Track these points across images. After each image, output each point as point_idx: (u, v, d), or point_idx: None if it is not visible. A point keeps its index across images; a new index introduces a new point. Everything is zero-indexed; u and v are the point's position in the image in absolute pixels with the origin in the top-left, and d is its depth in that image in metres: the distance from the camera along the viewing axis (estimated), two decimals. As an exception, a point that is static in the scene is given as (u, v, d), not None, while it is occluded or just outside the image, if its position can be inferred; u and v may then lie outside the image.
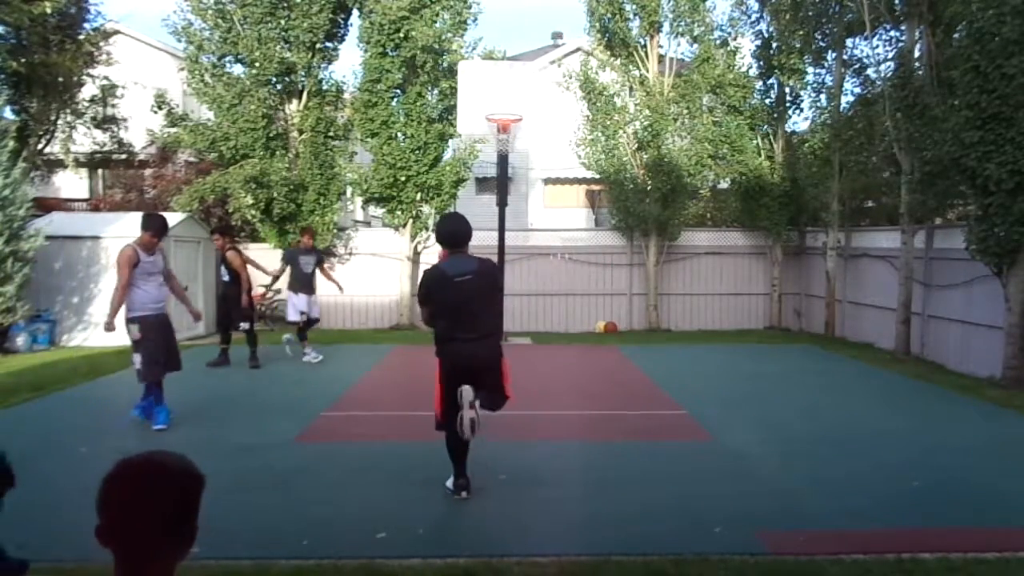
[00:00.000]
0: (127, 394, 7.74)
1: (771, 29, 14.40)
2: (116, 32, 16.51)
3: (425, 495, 5.12)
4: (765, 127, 14.84)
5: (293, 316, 10.62)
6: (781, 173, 14.49)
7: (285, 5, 13.84)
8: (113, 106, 15.77)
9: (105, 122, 15.76)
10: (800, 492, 5.22)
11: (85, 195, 19.42)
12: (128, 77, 15.85)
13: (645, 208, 14.51)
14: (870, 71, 12.43)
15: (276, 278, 10.81)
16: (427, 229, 14.63)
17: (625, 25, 14.51)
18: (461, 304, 4.85)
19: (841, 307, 13.75)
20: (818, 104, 14.01)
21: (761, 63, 14.60)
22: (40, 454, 6.08)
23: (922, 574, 3.87)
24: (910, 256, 11.21)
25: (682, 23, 14.52)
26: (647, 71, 14.77)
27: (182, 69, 14.55)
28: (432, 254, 13.15)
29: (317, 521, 4.61)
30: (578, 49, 19.36)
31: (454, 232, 5.03)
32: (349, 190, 15.65)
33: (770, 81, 14.60)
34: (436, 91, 14.42)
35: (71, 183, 18.91)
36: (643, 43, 14.75)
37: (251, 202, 14.06)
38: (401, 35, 13.74)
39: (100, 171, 18.78)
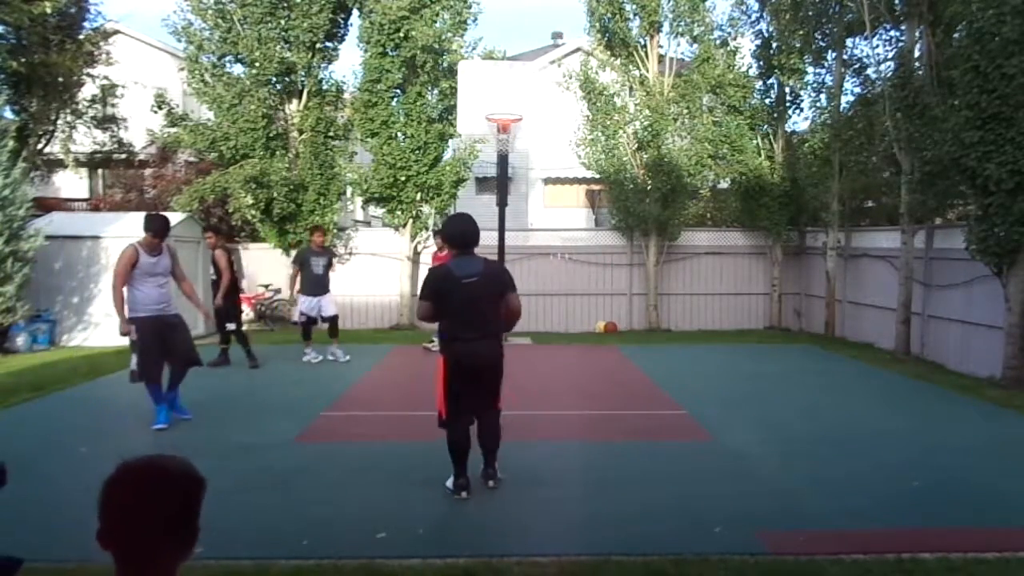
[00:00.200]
0: (127, 394, 7.74)
1: (771, 29, 14.40)
2: (116, 32, 16.53)
3: (425, 495, 5.12)
4: (765, 127, 14.83)
5: (295, 317, 10.59)
6: (781, 173, 14.48)
7: (285, 5, 13.84)
8: (113, 106, 15.79)
9: (105, 122, 15.78)
10: (800, 492, 5.22)
11: (85, 195, 19.45)
12: (128, 77, 15.87)
13: (645, 208, 14.51)
14: (870, 71, 12.44)
15: (293, 281, 10.61)
16: (427, 229, 14.64)
17: (625, 25, 14.51)
18: (467, 305, 4.92)
19: (841, 307, 13.75)
20: (818, 104, 14.02)
21: (761, 63, 14.60)
22: (40, 454, 6.08)
23: (922, 574, 3.87)
24: (910, 256, 11.21)
25: (682, 23, 14.52)
26: (647, 71, 14.77)
27: (182, 69, 14.55)
28: (431, 254, 13.12)
29: (317, 521, 4.61)
30: (578, 49, 19.37)
31: (464, 232, 5.06)
32: (349, 190, 15.65)
33: (770, 81, 14.60)
34: (436, 91, 14.42)
35: (71, 183, 18.93)
36: (643, 43, 14.75)
37: (251, 202, 14.06)
38: (401, 35, 13.74)
39: (100, 171, 18.81)
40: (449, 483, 5.11)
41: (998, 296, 9.16)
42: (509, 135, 9.79)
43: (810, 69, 14.03)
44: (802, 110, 14.81)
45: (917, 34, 10.92)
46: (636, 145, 14.83)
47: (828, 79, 13.63)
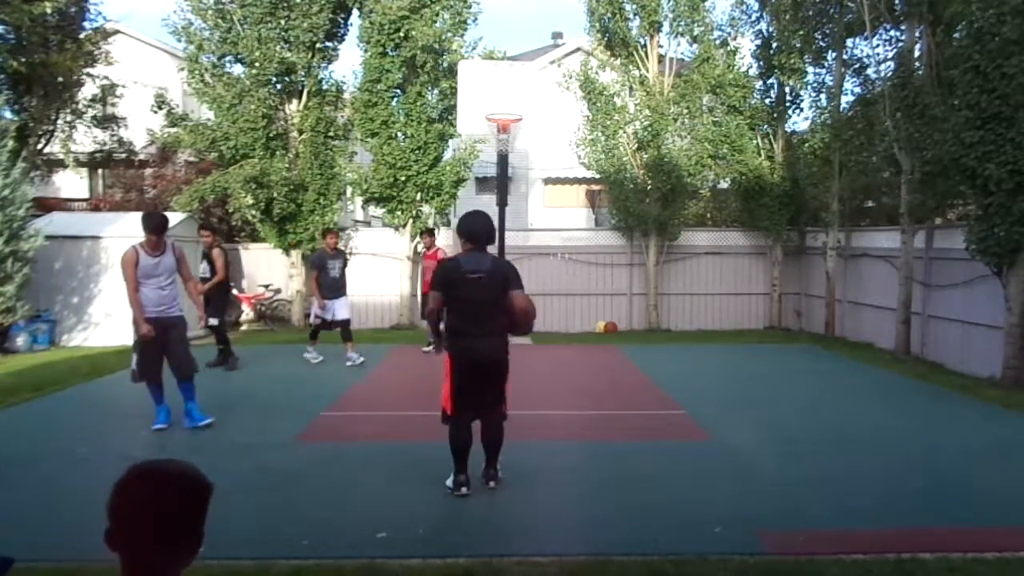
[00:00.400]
0: (127, 394, 7.74)
1: (771, 29, 14.40)
2: (116, 32, 16.52)
3: (425, 495, 5.11)
4: (765, 127, 14.83)
5: (312, 318, 10.47)
6: (781, 173, 14.48)
7: (285, 5, 13.84)
8: (113, 105, 15.78)
9: (105, 121, 15.78)
10: (800, 492, 5.22)
11: (85, 195, 19.44)
12: (128, 77, 15.87)
13: (645, 208, 14.51)
14: (870, 71, 12.43)
15: (318, 285, 10.36)
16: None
17: (625, 25, 14.51)
18: (470, 300, 4.96)
19: (841, 307, 13.75)
20: (818, 104, 14.01)
21: (761, 63, 14.59)
22: (40, 454, 6.09)
23: (922, 574, 3.87)
24: (910, 256, 11.21)
25: (682, 23, 14.52)
26: (647, 71, 14.77)
27: (182, 69, 14.55)
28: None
29: (317, 521, 4.61)
30: (578, 49, 19.35)
31: (472, 229, 5.12)
32: (349, 190, 15.65)
33: (770, 81, 14.60)
34: (436, 91, 14.42)
35: (71, 183, 18.92)
36: (643, 43, 14.75)
37: (251, 202, 14.07)
38: (401, 35, 13.74)
39: (100, 171, 18.80)
40: (449, 481, 5.12)
41: (998, 296, 9.16)
42: (509, 135, 9.80)
43: (810, 69, 14.02)
44: (802, 110, 14.84)
45: (917, 34, 10.92)
46: (636, 145, 14.83)
47: (828, 79, 13.63)
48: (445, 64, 14.00)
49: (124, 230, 12.02)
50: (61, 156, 15.50)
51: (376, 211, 16.63)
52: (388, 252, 15.11)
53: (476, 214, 5.28)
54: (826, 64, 13.65)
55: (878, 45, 11.98)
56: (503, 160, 9.81)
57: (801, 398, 8.65)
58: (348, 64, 55.48)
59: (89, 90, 15.14)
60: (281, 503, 5.00)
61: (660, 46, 14.91)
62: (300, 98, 14.48)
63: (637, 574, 3.89)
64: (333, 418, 7.55)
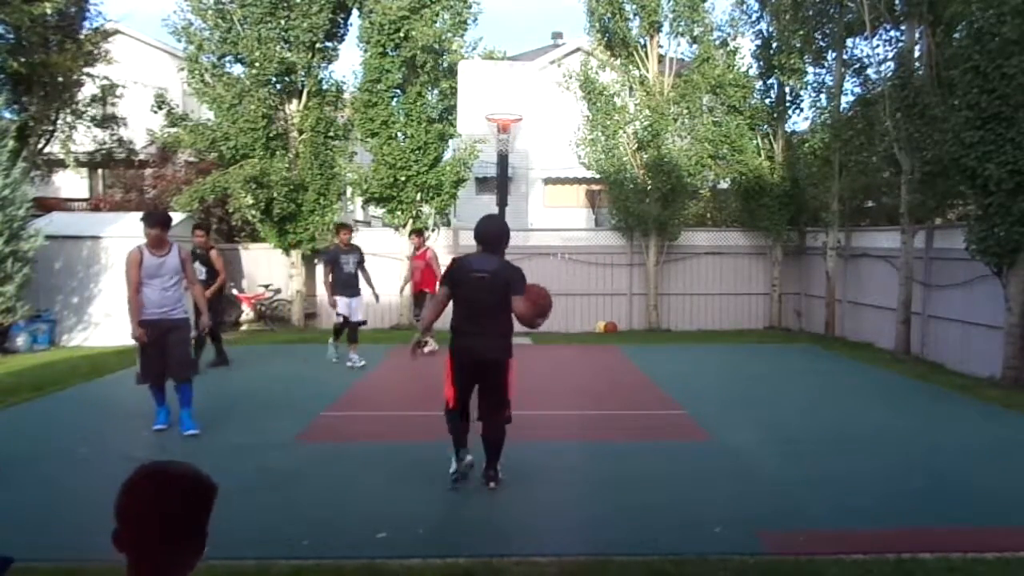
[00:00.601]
0: (127, 394, 7.74)
1: (771, 29, 14.39)
2: (116, 32, 16.53)
3: (425, 495, 5.11)
4: (765, 127, 14.83)
5: (334, 317, 10.39)
6: (781, 173, 14.48)
7: (285, 5, 13.84)
8: (113, 105, 15.78)
9: (105, 121, 15.78)
10: (800, 492, 5.22)
11: (85, 195, 19.43)
12: (128, 77, 15.86)
13: (645, 208, 14.51)
14: (870, 71, 12.43)
15: (328, 284, 10.30)
16: (427, 229, 14.62)
17: (625, 25, 14.51)
18: (472, 299, 5.03)
19: (841, 307, 13.75)
20: (818, 104, 14.01)
21: (761, 63, 14.59)
22: (40, 454, 6.09)
23: (922, 574, 3.87)
24: (910, 256, 11.21)
25: (682, 23, 14.52)
26: (647, 71, 14.77)
27: (182, 69, 14.55)
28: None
29: (318, 521, 4.61)
30: (578, 49, 19.36)
31: (480, 232, 5.25)
32: (349, 190, 15.65)
33: (770, 81, 14.59)
34: (436, 91, 14.41)
35: (71, 183, 18.92)
36: (643, 43, 14.75)
37: (251, 202, 14.07)
38: (401, 35, 13.74)
39: (100, 171, 18.80)
40: (452, 467, 5.14)
41: (998, 296, 9.16)
42: (509, 135, 9.79)
43: (810, 69, 14.02)
44: (802, 110, 14.83)
45: (917, 34, 10.92)
46: (636, 145, 14.83)
47: (828, 79, 13.63)
48: (445, 64, 13.99)
49: (124, 230, 12.02)
50: (61, 156, 15.50)
51: (376, 211, 16.63)
52: (388, 252, 15.10)
53: (490, 218, 5.49)
54: (826, 64, 13.65)
55: (878, 45, 11.99)
56: (503, 160, 9.80)
57: (801, 398, 8.65)
58: (348, 64, 55.51)
59: (89, 90, 15.14)
60: (281, 503, 5.00)
61: (660, 46, 14.91)
62: (300, 98, 14.48)
63: (637, 574, 3.89)
64: (333, 418, 7.55)
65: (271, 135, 14.09)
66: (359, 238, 15.15)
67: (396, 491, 5.23)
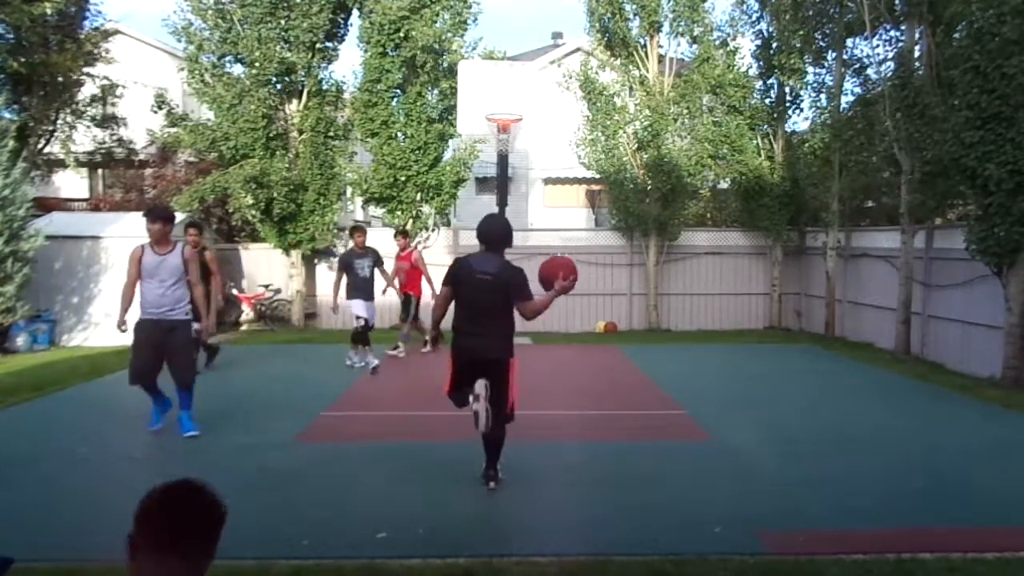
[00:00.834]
0: (127, 394, 7.72)
1: (771, 29, 14.39)
2: (116, 32, 16.53)
3: (425, 495, 5.11)
4: (765, 127, 14.83)
5: (355, 322, 10.25)
6: (781, 173, 14.48)
7: (285, 5, 13.83)
8: (113, 105, 15.78)
9: (105, 121, 15.78)
10: (800, 492, 5.22)
11: (85, 195, 19.44)
12: (128, 77, 15.86)
13: (645, 208, 14.51)
14: (870, 71, 12.44)
15: (337, 287, 10.24)
16: (427, 229, 14.63)
17: (625, 25, 14.51)
18: (472, 299, 5.06)
19: (841, 307, 13.75)
20: (818, 104, 14.01)
21: (761, 63, 14.59)
22: (40, 454, 6.09)
23: (922, 574, 3.87)
24: (910, 256, 11.21)
25: (682, 23, 14.52)
26: (647, 71, 14.77)
27: (182, 69, 14.54)
28: (431, 254, 13.13)
29: (318, 521, 4.61)
30: (578, 49, 19.36)
31: (482, 231, 5.28)
32: (349, 190, 15.64)
33: (770, 81, 14.59)
34: (436, 91, 14.41)
35: (71, 183, 18.92)
36: (643, 43, 14.75)
37: (251, 202, 14.06)
38: (401, 35, 13.74)
39: (100, 171, 18.81)
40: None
41: (998, 296, 9.16)
42: (509, 135, 9.79)
43: (810, 69, 14.02)
44: (802, 110, 14.84)
45: (917, 34, 10.92)
46: (636, 145, 14.83)
47: (828, 79, 13.63)
48: (445, 64, 13.99)
49: (124, 230, 12.03)
50: (61, 156, 15.50)
51: (376, 211, 16.63)
52: (388, 252, 15.07)
53: (493, 217, 5.52)
54: (826, 64, 13.65)
55: (878, 45, 11.99)
56: (503, 160, 9.80)
57: (801, 398, 8.65)
58: (348, 64, 55.51)
59: (89, 90, 15.15)
60: (281, 503, 5.00)
61: (660, 46, 14.91)
62: (300, 98, 14.47)
63: (637, 574, 3.89)
64: (333, 418, 7.55)
65: (271, 135, 14.09)
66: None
67: (396, 491, 5.23)
